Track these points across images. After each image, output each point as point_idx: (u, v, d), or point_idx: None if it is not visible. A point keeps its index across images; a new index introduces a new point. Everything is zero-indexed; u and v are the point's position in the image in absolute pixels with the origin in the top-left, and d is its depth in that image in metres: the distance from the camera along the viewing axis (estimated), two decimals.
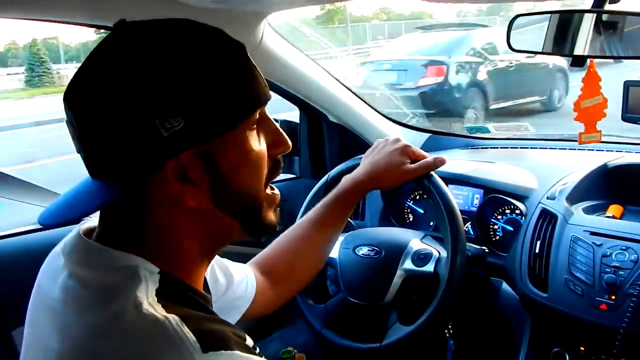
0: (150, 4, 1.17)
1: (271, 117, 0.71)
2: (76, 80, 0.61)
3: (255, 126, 0.67)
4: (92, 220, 0.70)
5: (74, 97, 0.61)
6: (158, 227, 0.65)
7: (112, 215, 0.66)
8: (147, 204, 0.64)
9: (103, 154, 0.61)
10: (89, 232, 0.69)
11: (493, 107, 6.89)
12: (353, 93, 1.77)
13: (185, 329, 0.56)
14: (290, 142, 0.73)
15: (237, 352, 0.57)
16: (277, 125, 0.72)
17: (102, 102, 0.59)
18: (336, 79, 1.72)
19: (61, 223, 0.63)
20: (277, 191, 0.73)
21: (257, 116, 0.67)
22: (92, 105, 0.60)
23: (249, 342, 0.62)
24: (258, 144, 0.67)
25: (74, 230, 0.70)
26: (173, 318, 0.57)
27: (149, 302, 0.59)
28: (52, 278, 0.67)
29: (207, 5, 1.22)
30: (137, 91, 0.58)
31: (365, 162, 1.19)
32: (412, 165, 1.16)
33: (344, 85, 1.74)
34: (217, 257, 0.96)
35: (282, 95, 1.66)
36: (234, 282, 0.98)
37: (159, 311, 0.58)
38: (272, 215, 0.72)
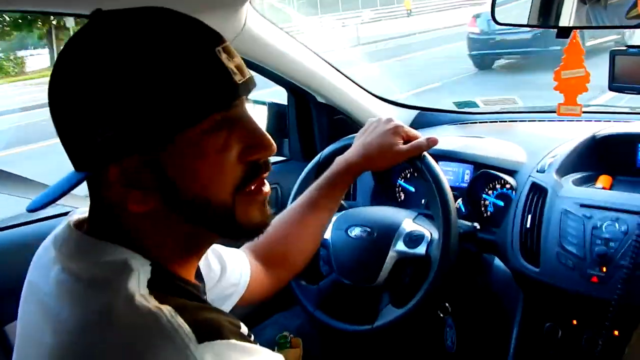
0: None
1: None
2: (58, 74, 0.62)
3: (217, 130, 0.62)
4: (82, 212, 0.70)
5: (50, 88, 0.62)
6: (146, 219, 0.64)
7: (99, 208, 0.66)
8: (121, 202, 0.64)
9: (67, 145, 0.63)
10: (79, 224, 0.69)
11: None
12: (340, 72, 1.76)
13: (180, 320, 0.56)
14: (273, 145, 0.67)
15: (233, 340, 0.57)
16: (258, 126, 0.66)
17: (58, 99, 0.61)
18: (323, 59, 1.70)
19: (40, 206, 0.64)
20: (267, 188, 0.69)
21: (216, 121, 0.61)
22: (54, 99, 0.62)
23: (244, 329, 0.63)
24: (220, 149, 0.63)
25: (63, 222, 0.70)
26: (166, 309, 0.57)
27: (141, 293, 0.58)
28: (43, 272, 0.67)
29: None
30: (80, 95, 0.59)
31: (358, 142, 1.19)
32: (405, 146, 1.15)
33: (331, 65, 1.73)
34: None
35: (269, 77, 1.65)
36: (228, 269, 0.97)
37: (151, 302, 0.58)
38: (254, 215, 0.68)
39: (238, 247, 1.07)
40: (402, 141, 1.16)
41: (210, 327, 0.57)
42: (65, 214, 0.72)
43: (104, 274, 0.61)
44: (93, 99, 0.58)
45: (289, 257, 1.12)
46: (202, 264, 0.89)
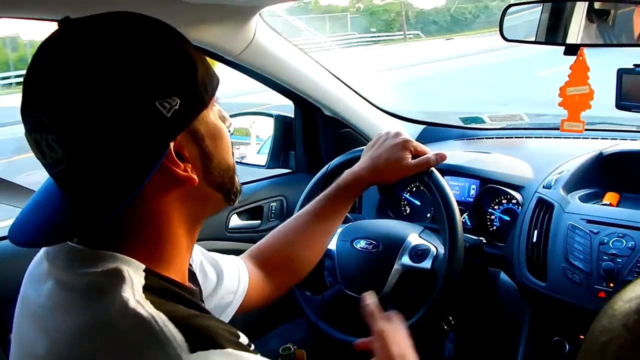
0: (142, 1, 1.16)
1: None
2: (40, 84, 0.58)
3: (213, 105, 0.70)
4: None
5: (47, 101, 0.57)
6: (147, 219, 0.64)
7: (87, 219, 0.63)
8: (141, 197, 0.62)
9: (99, 158, 0.58)
10: None
11: None
12: (348, 86, 1.77)
13: (172, 328, 0.56)
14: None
15: (228, 349, 0.57)
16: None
17: (92, 98, 0.56)
18: (330, 72, 1.71)
19: (43, 244, 0.65)
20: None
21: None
22: (79, 104, 0.56)
23: (243, 339, 0.62)
24: (218, 120, 0.70)
25: None
26: (159, 316, 0.56)
27: (136, 299, 0.58)
28: (36, 284, 0.67)
29: (199, 0, 1.21)
30: (128, 77, 0.58)
31: (367, 156, 1.19)
32: (413, 161, 1.15)
33: (339, 79, 1.74)
34: (206, 251, 0.96)
35: (276, 89, 1.66)
36: (225, 277, 0.97)
37: (146, 308, 0.57)
38: (238, 182, 0.75)
39: (237, 254, 1.07)
40: (410, 156, 1.16)
41: (205, 336, 0.57)
42: None
43: (98, 283, 0.60)
44: (152, 76, 0.59)
45: (291, 265, 1.12)
46: (198, 271, 0.89)
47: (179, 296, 0.63)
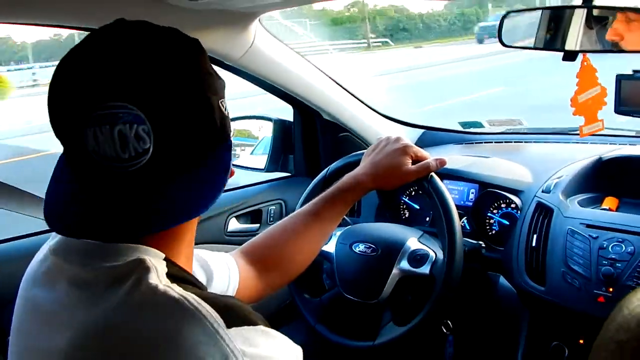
0: (142, 5, 1.16)
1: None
2: (127, 77, 0.59)
3: None
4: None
5: (136, 94, 0.59)
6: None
7: (107, 210, 0.62)
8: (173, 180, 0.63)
9: (182, 143, 0.61)
10: None
11: None
12: (346, 90, 1.77)
13: (206, 305, 0.57)
14: None
15: (261, 326, 0.59)
16: None
17: (178, 94, 0.60)
18: (329, 77, 1.72)
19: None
20: None
21: None
22: (168, 99, 0.60)
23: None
24: None
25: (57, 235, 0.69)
26: (190, 296, 0.58)
27: (164, 284, 0.59)
28: (45, 284, 0.66)
29: (199, 6, 1.22)
30: (200, 77, 0.63)
31: (367, 161, 1.19)
32: (414, 167, 1.16)
33: (337, 83, 1.74)
34: (195, 250, 0.95)
35: (275, 94, 1.67)
36: (215, 277, 0.96)
37: (176, 290, 0.58)
38: None
39: (227, 250, 1.07)
40: (410, 161, 1.16)
41: (237, 313, 0.59)
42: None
43: (122, 273, 0.60)
44: (210, 77, 0.65)
45: (285, 264, 1.11)
46: None
47: (197, 285, 0.64)
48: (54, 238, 0.71)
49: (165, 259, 0.63)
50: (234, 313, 0.58)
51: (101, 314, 0.58)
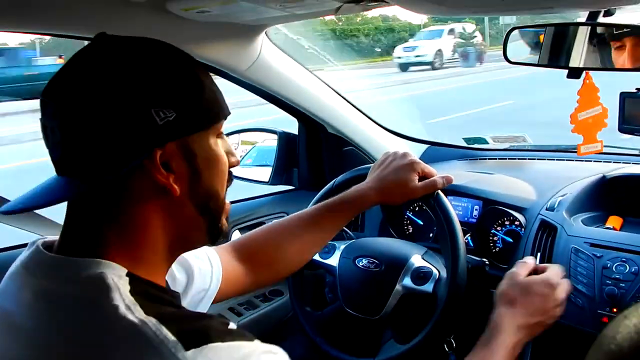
0: (149, 17, 1.17)
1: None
2: (61, 78, 0.66)
3: (219, 135, 0.74)
4: (51, 237, 0.72)
5: (60, 92, 0.64)
6: (128, 225, 0.67)
7: (76, 219, 0.68)
8: (124, 198, 0.66)
9: (89, 146, 0.63)
10: (48, 248, 0.69)
11: None
12: (351, 104, 1.78)
13: (165, 331, 0.58)
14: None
15: (220, 343, 0.58)
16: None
17: (95, 96, 0.63)
18: (335, 91, 1.73)
19: (25, 209, 0.66)
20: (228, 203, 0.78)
21: (220, 126, 0.73)
22: (83, 99, 0.63)
23: (232, 325, 0.63)
24: (222, 151, 0.74)
25: (30, 247, 0.71)
26: (150, 321, 0.58)
27: (126, 304, 0.60)
28: (14, 298, 0.67)
29: (206, 19, 1.22)
30: (133, 84, 0.64)
31: (374, 176, 1.18)
32: (421, 184, 1.15)
33: (343, 97, 1.75)
34: None
35: (281, 107, 1.67)
36: (195, 275, 0.95)
37: (136, 314, 0.59)
38: (225, 223, 0.77)
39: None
40: (417, 177, 1.15)
41: (197, 334, 0.59)
42: (25, 245, 0.74)
43: (83, 291, 0.62)
44: (156, 86, 0.65)
45: (275, 264, 1.11)
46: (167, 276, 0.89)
47: (163, 299, 0.65)
48: (25, 251, 0.72)
49: (129, 274, 0.64)
50: (193, 334, 0.58)
51: (68, 341, 0.60)
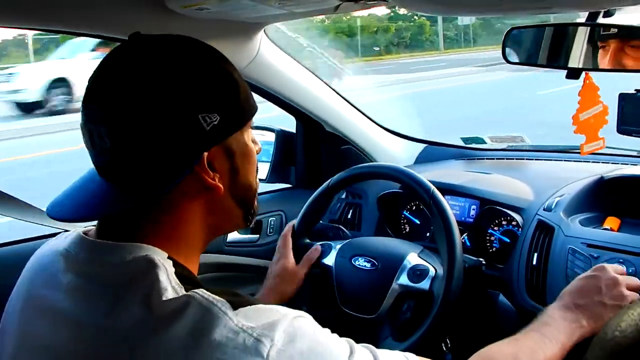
0: (148, 13, 1.17)
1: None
2: (103, 82, 0.66)
3: (250, 127, 0.77)
4: (84, 228, 0.74)
5: (105, 97, 0.65)
6: (169, 221, 0.69)
7: (118, 209, 0.69)
8: (171, 198, 0.68)
9: (141, 156, 0.65)
10: (86, 233, 0.72)
11: None
12: (349, 103, 1.78)
13: (213, 295, 0.62)
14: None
15: (259, 306, 0.63)
16: None
17: (144, 103, 0.64)
18: (332, 89, 1.72)
19: (81, 219, 0.69)
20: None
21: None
22: (133, 106, 0.64)
23: None
24: (251, 142, 0.77)
25: (71, 234, 0.73)
26: (198, 289, 0.62)
27: (173, 286, 0.62)
28: (52, 283, 0.69)
29: (205, 16, 1.22)
30: (180, 91, 0.65)
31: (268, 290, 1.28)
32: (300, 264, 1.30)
33: (341, 96, 1.75)
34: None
35: (279, 105, 1.67)
36: None
37: (184, 292, 0.63)
38: (257, 206, 0.82)
39: (235, 268, 1.08)
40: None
41: (239, 298, 0.63)
42: (50, 235, 0.75)
43: (132, 272, 0.64)
44: (200, 92, 0.67)
45: None
46: None
47: (199, 284, 0.66)
48: (55, 240, 0.75)
49: (170, 258, 0.67)
50: (238, 298, 0.63)
51: (119, 323, 0.61)
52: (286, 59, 1.59)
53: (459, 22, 23.19)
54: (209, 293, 0.62)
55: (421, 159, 1.89)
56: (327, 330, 0.67)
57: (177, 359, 0.58)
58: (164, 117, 0.64)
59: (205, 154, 0.68)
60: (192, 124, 0.65)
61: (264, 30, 1.48)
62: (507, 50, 1.33)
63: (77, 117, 0.68)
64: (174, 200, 0.69)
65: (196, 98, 0.66)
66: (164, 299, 0.61)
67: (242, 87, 0.72)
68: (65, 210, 0.69)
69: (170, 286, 0.62)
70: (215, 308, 0.60)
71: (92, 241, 0.69)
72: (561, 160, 1.68)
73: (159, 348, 0.59)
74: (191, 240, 0.72)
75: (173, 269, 0.65)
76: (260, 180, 1.76)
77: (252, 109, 0.75)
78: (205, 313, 0.60)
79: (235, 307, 0.61)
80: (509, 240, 1.43)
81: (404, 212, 1.66)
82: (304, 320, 0.65)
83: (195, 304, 0.61)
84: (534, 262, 1.26)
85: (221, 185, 0.70)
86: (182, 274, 0.66)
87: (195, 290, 0.62)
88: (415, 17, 23.44)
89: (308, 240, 1.39)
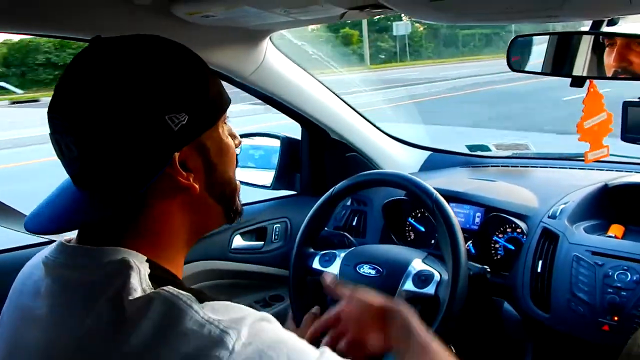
0: (155, 20, 1.18)
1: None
2: (66, 90, 0.64)
3: (225, 120, 0.75)
4: (69, 236, 0.73)
5: (69, 106, 0.64)
6: (148, 225, 0.68)
7: (95, 215, 0.68)
8: (147, 200, 0.67)
9: (110, 162, 0.63)
10: (68, 242, 0.71)
11: None
12: (355, 110, 1.78)
13: (179, 290, 0.61)
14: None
15: (227, 302, 0.62)
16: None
17: (108, 108, 0.62)
18: (338, 96, 1.73)
19: (57, 231, 0.67)
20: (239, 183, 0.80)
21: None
22: (96, 113, 0.62)
23: None
24: (229, 138, 0.75)
25: (52, 245, 0.72)
26: (167, 287, 0.62)
27: (143, 287, 0.62)
28: (33, 291, 0.69)
29: (211, 23, 1.23)
30: (144, 93, 0.63)
31: None
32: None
33: (346, 103, 1.75)
34: None
35: (284, 112, 1.67)
36: None
37: (153, 291, 0.62)
38: (239, 202, 0.79)
39: (239, 274, 1.05)
40: None
41: (207, 295, 0.63)
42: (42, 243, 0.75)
43: (106, 275, 0.63)
44: (165, 92, 0.65)
45: None
46: None
47: (176, 284, 0.66)
48: (48, 248, 0.73)
49: (148, 260, 0.66)
50: (204, 294, 0.62)
51: (89, 323, 0.61)
52: (291, 66, 1.60)
53: (394, 32, 20.95)
54: (175, 288, 0.61)
55: (426, 167, 1.90)
56: (295, 335, 0.64)
57: (146, 354, 0.58)
58: (128, 121, 0.63)
59: (177, 154, 0.66)
60: (159, 126, 0.64)
61: (270, 38, 1.49)
62: (512, 57, 1.33)
63: None
64: (150, 203, 0.67)
65: (161, 99, 0.64)
66: (131, 298, 0.60)
67: (212, 82, 0.71)
68: (42, 222, 0.68)
69: (140, 287, 0.61)
70: (181, 302, 0.60)
71: (71, 246, 0.69)
72: (565, 167, 1.68)
73: (129, 346, 0.58)
74: (172, 240, 0.71)
75: (148, 271, 0.64)
76: (265, 187, 1.80)
77: (225, 104, 0.73)
78: (171, 307, 0.59)
79: (202, 300, 0.61)
80: (513, 248, 1.43)
81: (409, 220, 1.66)
82: (270, 322, 0.64)
83: (160, 299, 0.60)
84: (539, 270, 1.26)
85: (196, 185, 0.69)
86: (159, 276, 0.65)
87: (162, 287, 0.61)
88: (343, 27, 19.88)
89: (312, 249, 1.39)
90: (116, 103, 0.62)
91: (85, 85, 0.64)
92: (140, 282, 0.62)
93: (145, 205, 0.67)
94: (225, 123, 0.75)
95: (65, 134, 0.64)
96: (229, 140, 0.75)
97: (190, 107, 0.66)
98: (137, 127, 0.63)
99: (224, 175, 0.74)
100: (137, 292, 0.61)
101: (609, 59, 1.19)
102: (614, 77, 1.25)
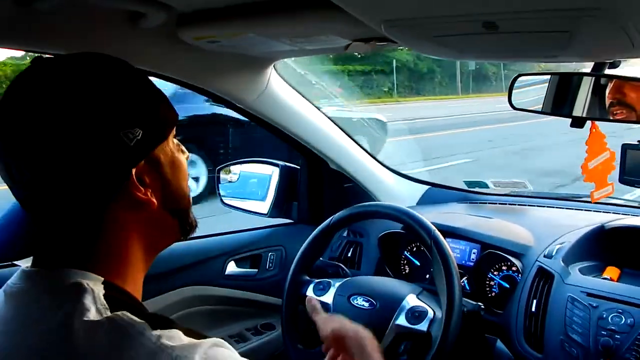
0: (163, 47, 1.19)
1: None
2: (12, 112, 0.63)
3: (174, 137, 0.75)
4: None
5: (19, 128, 0.62)
6: (105, 243, 0.67)
7: (49, 236, 0.67)
8: (105, 219, 0.67)
9: (67, 184, 0.63)
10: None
11: None
12: (355, 141, 1.79)
13: (132, 316, 0.60)
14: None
15: (182, 333, 0.61)
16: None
17: (62, 129, 0.61)
18: (339, 127, 1.74)
19: (9, 259, 0.69)
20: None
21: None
22: (49, 134, 0.61)
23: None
24: (178, 151, 0.75)
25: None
26: (120, 312, 0.61)
27: (98, 307, 0.61)
28: None
29: (216, 49, 1.25)
30: (96, 111, 0.63)
31: None
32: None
33: (346, 133, 1.76)
34: None
35: (285, 140, 1.68)
36: None
37: (108, 313, 0.61)
38: (193, 216, 0.79)
39: (232, 301, 1.04)
40: None
41: (162, 319, 0.62)
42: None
43: (61, 299, 0.62)
44: (117, 109, 0.64)
45: None
46: None
47: (135, 307, 0.65)
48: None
49: (104, 282, 0.65)
50: (159, 319, 0.62)
51: (38, 342, 0.60)
52: (294, 95, 1.61)
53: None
54: (128, 314, 0.60)
55: (424, 201, 1.90)
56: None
57: None
58: (84, 139, 0.62)
59: (134, 170, 0.66)
60: (114, 143, 0.63)
61: (274, 66, 1.51)
62: (514, 96, 1.35)
63: None
64: (107, 222, 0.67)
65: (114, 116, 0.64)
66: (84, 319, 0.59)
67: (160, 97, 0.71)
68: None
69: (94, 308, 0.61)
70: (134, 329, 0.59)
71: (28, 271, 0.67)
72: (563, 207, 1.68)
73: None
74: (130, 259, 0.70)
75: (103, 292, 0.63)
76: (261, 214, 1.79)
77: (174, 118, 0.73)
78: (124, 334, 0.59)
79: (155, 328, 0.60)
80: (508, 286, 1.42)
81: (405, 253, 1.65)
82: (225, 348, 0.63)
83: (113, 325, 0.59)
84: (533, 309, 1.25)
85: (154, 200, 0.68)
86: (116, 297, 0.64)
87: (117, 313, 0.60)
88: None
89: (307, 277, 1.38)
90: (68, 122, 0.61)
91: (34, 106, 0.62)
92: (94, 302, 0.61)
93: (102, 224, 0.67)
94: (174, 137, 0.75)
95: (14, 156, 0.62)
96: (180, 154, 0.75)
97: (143, 122, 0.66)
98: (93, 145, 0.62)
99: (178, 189, 0.74)
100: (91, 313, 0.60)
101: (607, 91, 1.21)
102: (614, 120, 1.26)
